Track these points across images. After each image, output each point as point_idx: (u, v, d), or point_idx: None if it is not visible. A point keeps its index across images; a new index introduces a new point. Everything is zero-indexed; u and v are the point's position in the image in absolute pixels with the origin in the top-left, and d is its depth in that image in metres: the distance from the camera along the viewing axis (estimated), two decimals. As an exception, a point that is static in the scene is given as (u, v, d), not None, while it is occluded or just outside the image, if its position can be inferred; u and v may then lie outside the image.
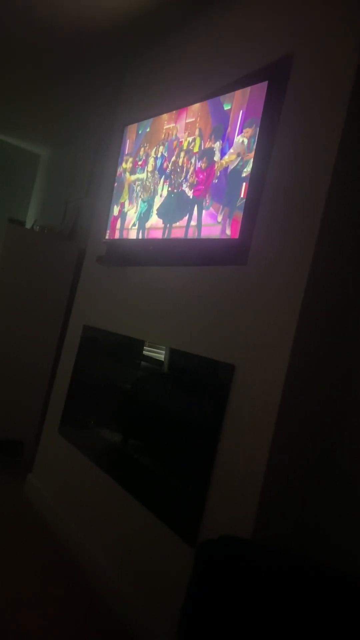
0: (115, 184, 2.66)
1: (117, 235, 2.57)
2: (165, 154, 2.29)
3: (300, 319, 1.54)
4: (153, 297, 2.27)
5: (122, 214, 2.56)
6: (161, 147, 2.33)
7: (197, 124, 2.12)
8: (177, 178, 2.17)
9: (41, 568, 2.22)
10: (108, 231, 2.66)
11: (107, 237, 2.67)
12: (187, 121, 2.18)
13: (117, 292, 2.59)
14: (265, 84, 1.80)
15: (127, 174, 2.57)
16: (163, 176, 2.28)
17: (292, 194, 1.67)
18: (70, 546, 2.40)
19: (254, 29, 2.04)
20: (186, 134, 2.18)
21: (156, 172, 2.34)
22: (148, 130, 2.45)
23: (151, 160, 2.39)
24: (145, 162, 2.43)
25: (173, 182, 2.20)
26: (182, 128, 2.21)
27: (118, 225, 2.57)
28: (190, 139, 2.15)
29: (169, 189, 2.21)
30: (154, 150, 2.38)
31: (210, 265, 1.96)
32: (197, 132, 2.11)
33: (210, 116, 2.05)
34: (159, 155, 2.34)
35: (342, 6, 1.65)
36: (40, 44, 2.98)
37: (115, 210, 2.63)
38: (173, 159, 2.23)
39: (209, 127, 2.05)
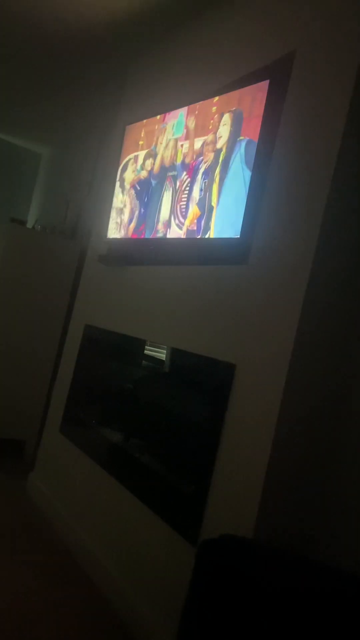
0: (117, 183, 2.66)
1: (118, 235, 2.57)
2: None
3: (302, 319, 1.54)
4: (154, 296, 2.27)
5: (124, 213, 2.55)
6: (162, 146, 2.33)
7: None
8: (178, 177, 2.17)
9: (42, 567, 2.22)
10: (109, 230, 2.66)
11: (108, 236, 2.67)
12: (189, 120, 2.18)
13: (118, 291, 2.59)
14: (266, 82, 1.80)
15: (128, 173, 2.57)
16: (164, 175, 2.28)
17: (293, 192, 1.67)
18: (72, 545, 2.41)
19: (255, 28, 2.04)
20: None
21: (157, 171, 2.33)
22: (149, 129, 2.45)
23: (152, 159, 2.38)
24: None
25: (174, 181, 2.20)
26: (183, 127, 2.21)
27: (119, 225, 2.57)
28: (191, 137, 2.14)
29: (170, 187, 2.21)
30: (155, 149, 2.37)
31: (211, 265, 1.96)
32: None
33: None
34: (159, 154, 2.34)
35: (343, 5, 1.65)
36: (42, 44, 2.98)
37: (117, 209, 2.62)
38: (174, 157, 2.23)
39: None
